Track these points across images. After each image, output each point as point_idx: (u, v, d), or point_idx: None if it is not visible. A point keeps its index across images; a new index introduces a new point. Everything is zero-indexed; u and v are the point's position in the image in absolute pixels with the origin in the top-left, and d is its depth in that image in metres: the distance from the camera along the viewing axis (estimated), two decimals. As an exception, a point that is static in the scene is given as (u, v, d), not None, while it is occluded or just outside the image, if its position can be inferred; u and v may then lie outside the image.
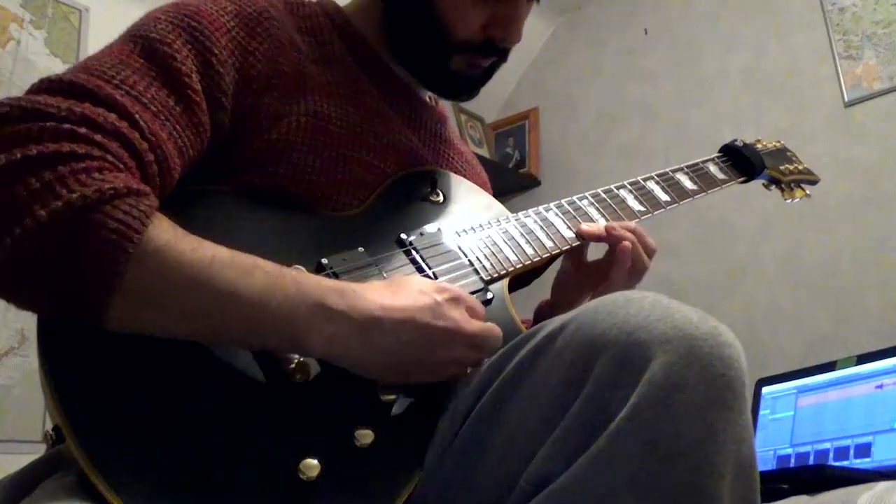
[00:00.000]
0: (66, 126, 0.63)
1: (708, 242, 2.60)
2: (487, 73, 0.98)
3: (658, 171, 1.05)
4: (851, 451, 1.50)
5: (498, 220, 0.91)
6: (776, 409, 1.71)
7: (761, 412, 1.72)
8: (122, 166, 0.65)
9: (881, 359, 1.62)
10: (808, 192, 1.27)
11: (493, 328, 0.74)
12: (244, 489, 0.61)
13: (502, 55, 0.97)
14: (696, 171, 1.11)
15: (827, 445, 1.55)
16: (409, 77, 1.00)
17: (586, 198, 0.98)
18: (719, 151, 1.18)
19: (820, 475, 1.25)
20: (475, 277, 0.84)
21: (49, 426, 0.78)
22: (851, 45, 2.44)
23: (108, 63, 0.72)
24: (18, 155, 0.60)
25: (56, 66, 1.98)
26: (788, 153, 1.28)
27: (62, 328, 0.63)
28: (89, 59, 0.74)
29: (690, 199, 1.06)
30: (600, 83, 3.01)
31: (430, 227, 0.86)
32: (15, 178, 0.60)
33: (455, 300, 0.73)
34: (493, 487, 0.65)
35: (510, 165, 3.10)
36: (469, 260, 0.85)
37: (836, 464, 1.49)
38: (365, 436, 0.66)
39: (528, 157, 3.10)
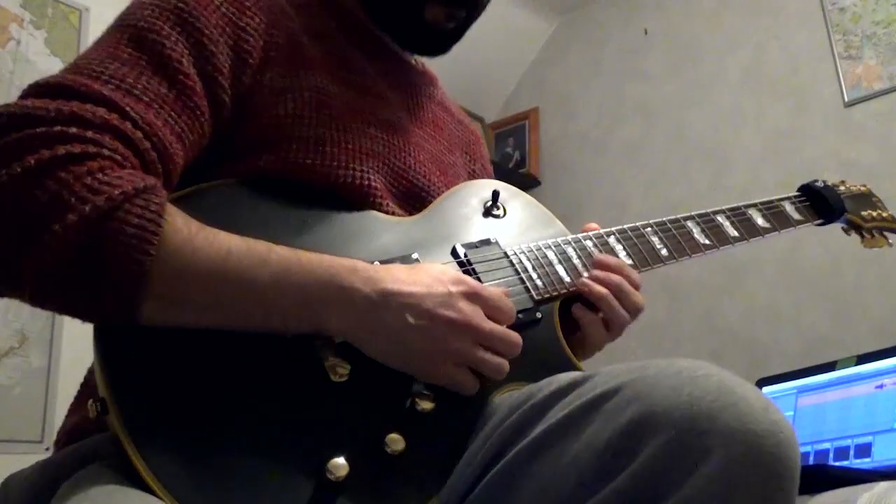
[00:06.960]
0: (57, 128, 0.63)
1: (708, 242, 2.59)
2: (459, 28, 0.97)
3: (730, 206, 1.01)
4: (851, 451, 1.50)
5: (556, 240, 0.89)
6: (776, 409, 1.70)
7: (761, 412, 1.71)
8: (119, 159, 0.65)
9: (881, 359, 1.62)
10: (890, 241, 1.22)
11: (509, 334, 0.73)
12: (271, 482, 0.62)
13: (473, 6, 0.96)
14: (770, 209, 1.08)
15: (827, 445, 1.55)
16: (393, 43, 1.00)
17: (650, 226, 0.95)
18: (798, 190, 1.15)
19: (820, 475, 1.25)
20: (525, 296, 0.82)
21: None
22: (851, 45, 2.43)
23: (97, 59, 0.71)
24: (18, 169, 0.60)
25: (56, 66, 1.97)
26: (874, 198, 1.24)
27: (116, 330, 0.64)
28: (80, 56, 0.73)
29: (761, 236, 1.02)
30: (600, 83, 3.01)
31: (486, 241, 0.85)
32: (20, 193, 0.60)
33: (471, 294, 0.72)
34: None
35: (510, 165, 3.10)
36: (521, 277, 0.83)
37: (836, 464, 1.49)
38: (396, 441, 0.66)
39: (528, 157, 3.10)
